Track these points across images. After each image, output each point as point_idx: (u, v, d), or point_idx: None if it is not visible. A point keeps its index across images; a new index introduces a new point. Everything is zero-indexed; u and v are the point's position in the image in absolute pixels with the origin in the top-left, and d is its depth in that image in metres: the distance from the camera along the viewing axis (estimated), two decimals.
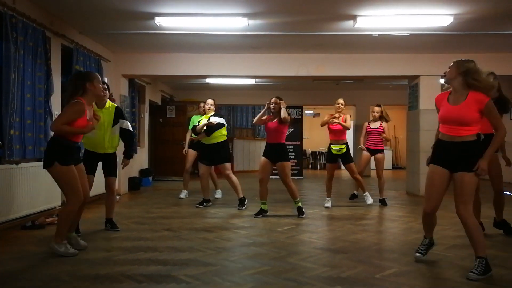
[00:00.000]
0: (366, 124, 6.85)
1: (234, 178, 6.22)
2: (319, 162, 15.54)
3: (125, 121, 4.59)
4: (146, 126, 9.84)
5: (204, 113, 6.62)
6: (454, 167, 3.19)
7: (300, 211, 5.42)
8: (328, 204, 6.22)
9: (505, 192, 8.26)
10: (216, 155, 6.19)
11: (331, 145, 6.23)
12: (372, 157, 6.68)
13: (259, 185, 5.47)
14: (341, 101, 6.28)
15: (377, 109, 6.71)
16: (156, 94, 10.72)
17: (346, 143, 6.23)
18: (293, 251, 3.77)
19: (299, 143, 11.77)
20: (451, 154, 3.19)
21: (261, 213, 5.47)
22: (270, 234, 4.45)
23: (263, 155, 5.46)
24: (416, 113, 7.91)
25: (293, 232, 4.56)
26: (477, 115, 3.09)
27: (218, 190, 7.26)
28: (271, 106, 5.42)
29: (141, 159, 9.40)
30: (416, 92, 7.88)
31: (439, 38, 6.52)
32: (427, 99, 7.69)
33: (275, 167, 5.46)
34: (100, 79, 3.67)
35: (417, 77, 7.80)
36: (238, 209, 6.07)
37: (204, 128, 6.14)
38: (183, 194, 7.24)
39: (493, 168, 4.35)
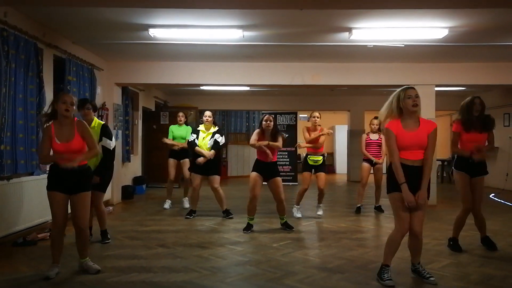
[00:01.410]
0: (365, 135, 6.84)
1: (221, 191, 6.23)
2: None
3: (106, 139, 4.52)
4: (139, 133, 9.77)
5: (181, 122, 7.15)
6: (414, 189, 3.34)
7: (288, 226, 5.41)
8: (299, 214, 6.26)
9: (492, 196, 8.31)
10: (212, 165, 6.18)
11: (309, 156, 6.17)
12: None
13: (250, 201, 5.34)
14: (316, 114, 6.22)
15: (375, 121, 6.73)
16: (150, 100, 10.64)
17: (323, 155, 6.22)
18: (289, 270, 3.73)
19: (293, 149, 11.73)
20: (413, 178, 3.32)
21: (250, 228, 5.38)
22: (266, 251, 4.40)
23: (254, 171, 5.33)
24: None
25: (289, 249, 4.52)
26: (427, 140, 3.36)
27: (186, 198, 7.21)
28: (265, 124, 5.29)
29: (134, 167, 9.32)
30: None
31: (434, 49, 6.52)
32: (421, 107, 7.62)
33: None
34: (67, 99, 3.52)
35: None
36: (228, 218, 6.14)
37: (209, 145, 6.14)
38: (167, 204, 7.18)
39: (479, 188, 4.41)
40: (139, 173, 9.71)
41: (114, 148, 4.65)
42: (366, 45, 6.29)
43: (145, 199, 8.42)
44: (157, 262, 3.94)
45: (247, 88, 10.01)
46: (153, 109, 10.92)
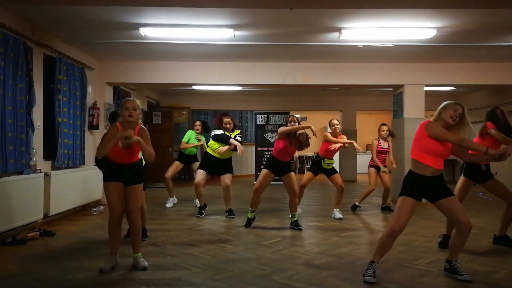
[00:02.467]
0: (376, 142, 6.82)
1: (231, 190, 6.30)
2: (306, 166, 15.60)
3: None
4: None
5: (198, 131, 7.26)
6: (433, 196, 3.40)
7: (297, 224, 5.44)
8: (299, 211, 6.24)
9: (480, 195, 8.41)
10: (226, 167, 6.29)
11: (324, 160, 6.23)
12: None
13: (255, 194, 5.39)
14: (335, 121, 6.25)
15: (385, 127, 6.74)
16: (142, 100, 10.62)
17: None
18: (279, 267, 3.76)
19: None
20: (430, 188, 3.36)
21: (251, 222, 5.47)
22: (256, 249, 4.43)
23: (267, 168, 5.37)
24: (400, 121, 7.99)
25: (279, 246, 4.55)
26: None
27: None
28: (290, 125, 5.23)
29: None
30: (401, 101, 7.96)
31: (423, 49, 6.60)
32: (411, 107, 7.81)
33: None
34: (130, 105, 3.66)
35: (401, 86, 7.89)
36: (230, 217, 6.15)
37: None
38: (170, 203, 7.24)
39: (500, 188, 4.46)
40: None
41: None
42: (356, 45, 6.34)
43: None
44: (147, 260, 3.92)
45: (240, 88, 10.04)
46: (146, 109, 10.89)
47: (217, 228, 5.53)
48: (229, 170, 6.34)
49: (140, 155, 3.87)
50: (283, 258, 4.10)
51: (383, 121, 6.83)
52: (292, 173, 5.39)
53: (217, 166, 6.26)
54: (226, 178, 6.23)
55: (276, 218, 6.15)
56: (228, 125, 6.20)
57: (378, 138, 6.85)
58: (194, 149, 7.35)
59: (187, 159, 7.36)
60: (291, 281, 3.41)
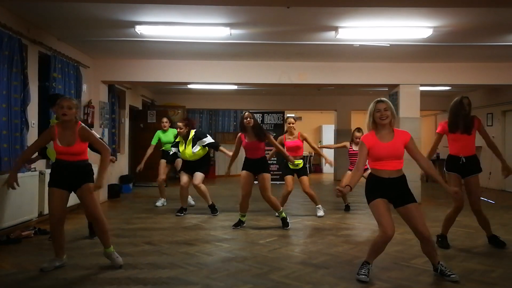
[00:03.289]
0: (348, 144, 6.82)
1: (203, 187, 6.27)
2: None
3: None
4: (126, 132, 9.70)
5: (166, 128, 7.23)
6: (395, 202, 3.40)
7: (284, 223, 5.42)
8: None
9: (482, 198, 8.45)
10: (198, 167, 6.30)
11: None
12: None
13: (242, 199, 5.38)
14: (291, 120, 6.26)
15: (358, 134, 6.70)
16: (137, 98, 10.58)
17: (303, 158, 6.27)
18: (275, 266, 3.76)
19: None
20: (390, 190, 3.37)
21: (240, 224, 5.45)
22: (252, 247, 4.43)
23: (243, 169, 5.36)
24: (395, 121, 8.01)
25: (275, 245, 4.55)
26: (404, 150, 3.43)
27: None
28: (246, 121, 5.25)
29: (121, 165, 9.25)
30: (396, 100, 7.99)
31: (419, 49, 6.63)
32: (406, 107, 7.83)
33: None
34: (64, 104, 3.56)
35: (397, 85, 7.92)
36: (213, 215, 6.22)
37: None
38: (160, 202, 7.23)
39: (474, 188, 4.43)
40: (125, 172, 9.64)
41: None
42: (352, 45, 6.36)
43: (131, 198, 8.37)
44: (143, 259, 3.93)
45: (235, 87, 10.04)
46: (140, 108, 10.86)
47: (213, 227, 5.52)
48: (202, 170, 6.30)
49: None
50: (280, 257, 4.10)
51: None
52: (265, 175, 5.29)
53: (192, 166, 6.29)
54: (195, 178, 6.22)
55: (272, 217, 6.14)
56: (178, 129, 6.27)
57: (351, 142, 6.79)
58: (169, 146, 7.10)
59: (169, 156, 7.10)
60: (288, 279, 3.41)
